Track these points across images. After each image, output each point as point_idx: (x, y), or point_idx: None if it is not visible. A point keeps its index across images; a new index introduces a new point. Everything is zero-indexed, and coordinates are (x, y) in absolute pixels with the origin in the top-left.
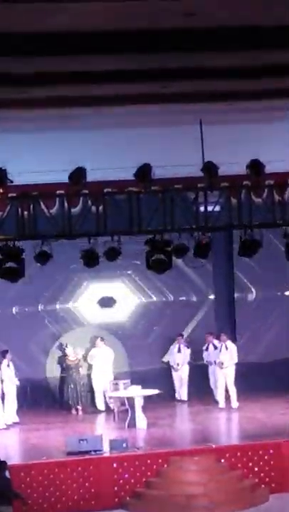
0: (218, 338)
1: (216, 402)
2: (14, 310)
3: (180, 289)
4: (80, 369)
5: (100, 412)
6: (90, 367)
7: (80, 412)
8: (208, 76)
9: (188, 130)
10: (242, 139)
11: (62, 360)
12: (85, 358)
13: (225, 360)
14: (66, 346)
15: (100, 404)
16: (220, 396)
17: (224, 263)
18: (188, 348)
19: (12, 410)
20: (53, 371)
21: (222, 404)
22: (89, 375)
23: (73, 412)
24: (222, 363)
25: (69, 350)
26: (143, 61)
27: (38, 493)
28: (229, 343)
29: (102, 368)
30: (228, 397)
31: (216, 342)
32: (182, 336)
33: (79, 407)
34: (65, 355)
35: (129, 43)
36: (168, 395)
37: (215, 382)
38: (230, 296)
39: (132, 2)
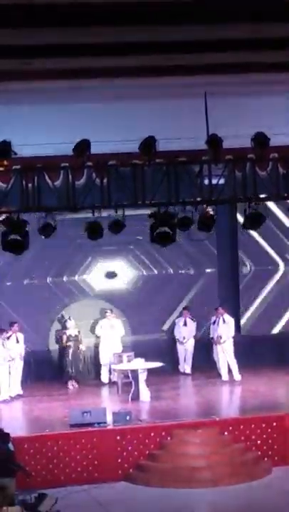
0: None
1: (219, 376)
2: (25, 282)
3: (182, 262)
4: (80, 343)
5: (104, 384)
6: (96, 339)
7: (76, 386)
8: (212, 48)
9: (192, 103)
10: (247, 112)
11: (62, 332)
12: (92, 330)
13: (223, 333)
14: (69, 319)
15: (105, 377)
16: (222, 369)
17: (228, 236)
18: (194, 321)
19: (16, 382)
20: (53, 343)
21: (225, 377)
22: (96, 347)
23: (69, 386)
24: (220, 337)
25: (70, 323)
26: (147, 33)
27: (41, 465)
28: (227, 316)
29: (110, 341)
30: (230, 371)
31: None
32: (188, 309)
33: (74, 382)
34: (65, 327)
35: (133, 14)
36: (171, 368)
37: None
38: (234, 269)
39: None
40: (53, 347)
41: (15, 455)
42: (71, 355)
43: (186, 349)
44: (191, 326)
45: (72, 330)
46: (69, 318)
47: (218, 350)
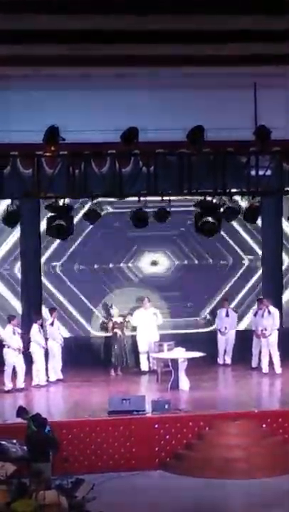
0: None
1: (253, 368)
2: (75, 267)
3: (226, 253)
4: (125, 330)
5: (144, 373)
6: (134, 327)
7: (120, 373)
8: (263, 39)
9: (241, 93)
10: None
11: (108, 319)
12: (130, 317)
13: (268, 325)
14: (111, 307)
15: (144, 365)
16: (264, 361)
17: (273, 228)
18: (236, 312)
19: (57, 368)
20: (98, 330)
21: (265, 369)
22: (134, 335)
23: (112, 373)
24: (265, 329)
25: (114, 311)
26: (199, 22)
27: (78, 451)
28: (272, 308)
29: (147, 329)
30: (271, 363)
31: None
32: (226, 300)
33: (118, 370)
34: (110, 315)
35: (188, 3)
36: (211, 358)
37: (257, 347)
38: (279, 260)
39: None
40: (96, 333)
41: (54, 440)
42: (116, 343)
43: (227, 339)
44: (233, 317)
45: (117, 317)
46: (111, 306)
47: (262, 342)
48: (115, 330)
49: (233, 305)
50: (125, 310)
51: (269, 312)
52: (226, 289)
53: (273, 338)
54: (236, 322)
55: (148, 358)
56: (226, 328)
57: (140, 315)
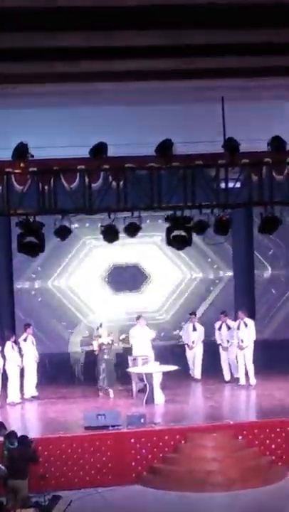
0: (235, 317)
1: (227, 382)
2: (36, 285)
3: (197, 266)
4: (111, 351)
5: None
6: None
7: (112, 395)
8: (230, 52)
9: (209, 107)
10: (263, 116)
11: (94, 339)
12: (123, 336)
13: (244, 337)
14: (100, 326)
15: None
16: (240, 373)
17: (244, 240)
18: (202, 326)
19: (31, 384)
20: (75, 346)
21: (242, 381)
22: (123, 354)
23: (103, 394)
24: (242, 341)
25: (102, 330)
26: (165, 37)
27: (55, 467)
28: (247, 320)
29: (143, 347)
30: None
31: (229, 322)
32: (195, 314)
33: (110, 390)
34: (98, 335)
35: (152, 18)
36: (184, 372)
37: (227, 360)
38: (250, 273)
39: None
40: (72, 349)
41: (35, 454)
42: (105, 364)
43: (195, 354)
44: (200, 330)
45: (104, 338)
46: (100, 326)
47: (238, 353)
48: (102, 350)
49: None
50: (114, 329)
51: (245, 324)
52: (204, 303)
53: (249, 350)
54: (203, 335)
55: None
56: (193, 342)
57: (136, 333)
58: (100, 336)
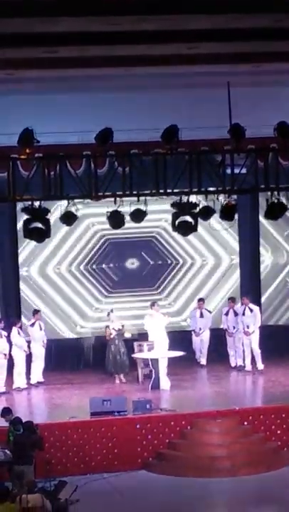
0: (242, 302)
1: (233, 367)
2: (41, 270)
3: (204, 251)
4: (123, 337)
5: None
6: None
7: (124, 380)
8: (236, 37)
9: (215, 92)
10: (270, 102)
11: (100, 325)
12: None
13: (249, 323)
14: (111, 311)
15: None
16: (246, 359)
17: (249, 226)
18: (210, 312)
19: (38, 370)
20: (84, 332)
21: (248, 367)
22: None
23: (116, 381)
24: (247, 326)
25: (113, 316)
26: (170, 22)
27: (61, 453)
28: (252, 305)
29: (157, 334)
30: (252, 360)
31: (236, 308)
32: (203, 300)
33: (121, 376)
34: (109, 320)
35: (157, 3)
36: (190, 357)
37: (233, 347)
38: (255, 259)
39: None
40: (80, 335)
41: (40, 439)
42: (116, 350)
43: (201, 340)
44: (207, 317)
45: (115, 323)
46: (111, 311)
47: (244, 340)
48: (112, 336)
49: (213, 304)
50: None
51: (251, 310)
52: (205, 287)
53: (255, 335)
54: (210, 322)
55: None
56: (200, 329)
57: (151, 319)
58: (111, 322)
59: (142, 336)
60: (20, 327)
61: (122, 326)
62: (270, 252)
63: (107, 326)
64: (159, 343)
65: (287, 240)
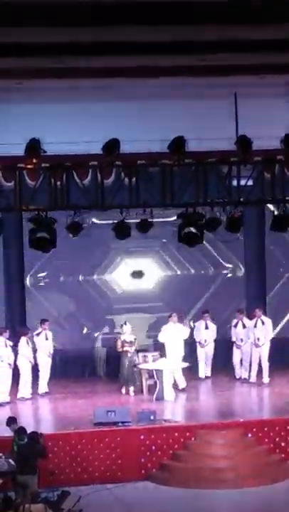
0: (249, 315)
1: (237, 379)
2: (47, 280)
3: (209, 263)
4: (135, 348)
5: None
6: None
7: (132, 393)
8: (244, 49)
9: (223, 103)
10: (277, 113)
11: (117, 337)
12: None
13: (260, 335)
14: (125, 324)
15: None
16: (252, 371)
17: (256, 237)
18: (214, 324)
19: (44, 381)
20: (96, 342)
21: (253, 379)
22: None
23: (130, 393)
24: (258, 339)
25: (126, 328)
26: (179, 33)
27: (64, 463)
28: (264, 318)
29: (175, 346)
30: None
31: (245, 320)
32: (208, 312)
33: (131, 388)
34: (121, 332)
35: (165, 14)
36: (194, 369)
37: (240, 358)
38: (262, 271)
39: None
40: (82, 346)
41: (44, 449)
42: (127, 362)
43: (206, 352)
44: (212, 328)
45: (128, 335)
46: (125, 323)
47: (254, 351)
48: (125, 348)
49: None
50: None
51: (262, 322)
52: (213, 299)
53: (266, 348)
54: (216, 333)
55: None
56: (205, 340)
57: (169, 330)
58: (123, 333)
59: (157, 347)
60: (30, 337)
61: (135, 338)
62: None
63: (118, 338)
64: (175, 355)
65: None
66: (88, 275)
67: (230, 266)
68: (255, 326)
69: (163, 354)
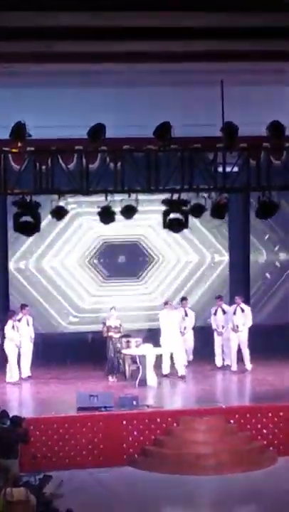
0: (230, 302)
1: (219, 367)
2: (31, 264)
3: (193, 249)
4: (120, 334)
5: (164, 376)
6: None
7: (115, 379)
8: (230, 35)
9: (209, 90)
10: (263, 101)
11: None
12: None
13: (240, 323)
14: (113, 308)
15: (166, 368)
16: (233, 359)
17: (240, 224)
18: (193, 311)
19: (26, 364)
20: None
21: (234, 366)
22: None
23: (110, 378)
24: (237, 326)
25: (111, 313)
26: (165, 19)
27: (46, 448)
28: (244, 305)
29: (171, 331)
30: (239, 360)
31: (224, 306)
32: (186, 299)
33: (114, 376)
34: (108, 317)
35: (152, 0)
36: None
37: (221, 346)
38: (246, 258)
39: None
40: (67, 330)
41: (24, 438)
42: (114, 348)
43: (186, 339)
44: (191, 316)
45: (113, 320)
46: (113, 308)
47: (233, 338)
48: (110, 334)
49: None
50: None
51: (242, 310)
52: (188, 285)
53: (244, 335)
54: (194, 321)
55: (171, 360)
56: (184, 328)
57: (164, 316)
58: (108, 319)
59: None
60: (17, 320)
61: (120, 324)
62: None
63: (104, 323)
64: (172, 340)
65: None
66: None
67: (213, 252)
68: (234, 314)
69: (147, 340)
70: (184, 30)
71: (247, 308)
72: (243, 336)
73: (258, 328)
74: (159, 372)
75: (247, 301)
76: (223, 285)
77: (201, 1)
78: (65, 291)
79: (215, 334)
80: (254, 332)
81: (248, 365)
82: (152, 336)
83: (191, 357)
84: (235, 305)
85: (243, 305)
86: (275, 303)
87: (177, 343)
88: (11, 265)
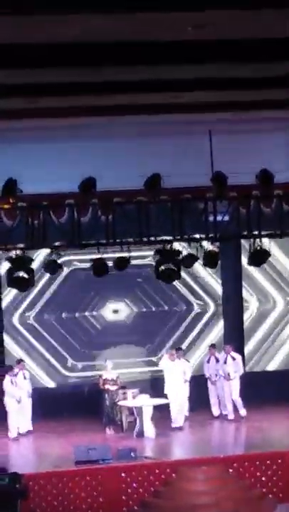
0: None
1: (216, 417)
2: (26, 318)
3: (185, 299)
4: (118, 387)
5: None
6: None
7: (112, 432)
8: (218, 87)
9: (197, 140)
10: (251, 149)
11: (99, 375)
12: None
13: (231, 371)
14: (105, 361)
15: (179, 421)
16: (228, 407)
17: (232, 273)
18: (188, 361)
19: (26, 419)
20: (67, 380)
21: (231, 415)
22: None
23: (107, 431)
24: (228, 374)
25: (106, 365)
26: (154, 72)
27: (46, 503)
28: (235, 354)
29: (177, 382)
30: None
31: (218, 355)
32: (181, 349)
33: (111, 430)
34: (103, 370)
35: (140, 53)
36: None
37: (215, 395)
38: (239, 306)
39: (143, 14)
40: (64, 383)
41: (23, 494)
42: (108, 400)
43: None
44: (189, 367)
45: (109, 373)
46: (105, 361)
47: (225, 387)
48: (106, 386)
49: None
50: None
51: (233, 358)
52: (177, 334)
53: (236, 383)
54: (191, 372)
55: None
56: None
57: (165, 366)
58: (105, 371)
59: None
60: (14, 375)
61: (117, 376)
62: (255, 297)
63: (100, 376)
64: (175, 392)
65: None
66: (69, 313)
67: (206, 301)
68: (225, 362)
69: (143, 391)
70: (171, 83)
71: (238, 357)
72: (235, 384)
73: (251, 375)
74: (160, 423)
75: (241, 349)
76: (218, 334)
77: (188, 53)
78: (60, 345)
79: (208, 383)
80: (246, 379)
81: (242, 412)
82: (151, 385)
83: (187, 408)
84: (225, 354)
85: (233, 353)
86: (263, 349)
87: (182, 393)
88: (6, 319)
